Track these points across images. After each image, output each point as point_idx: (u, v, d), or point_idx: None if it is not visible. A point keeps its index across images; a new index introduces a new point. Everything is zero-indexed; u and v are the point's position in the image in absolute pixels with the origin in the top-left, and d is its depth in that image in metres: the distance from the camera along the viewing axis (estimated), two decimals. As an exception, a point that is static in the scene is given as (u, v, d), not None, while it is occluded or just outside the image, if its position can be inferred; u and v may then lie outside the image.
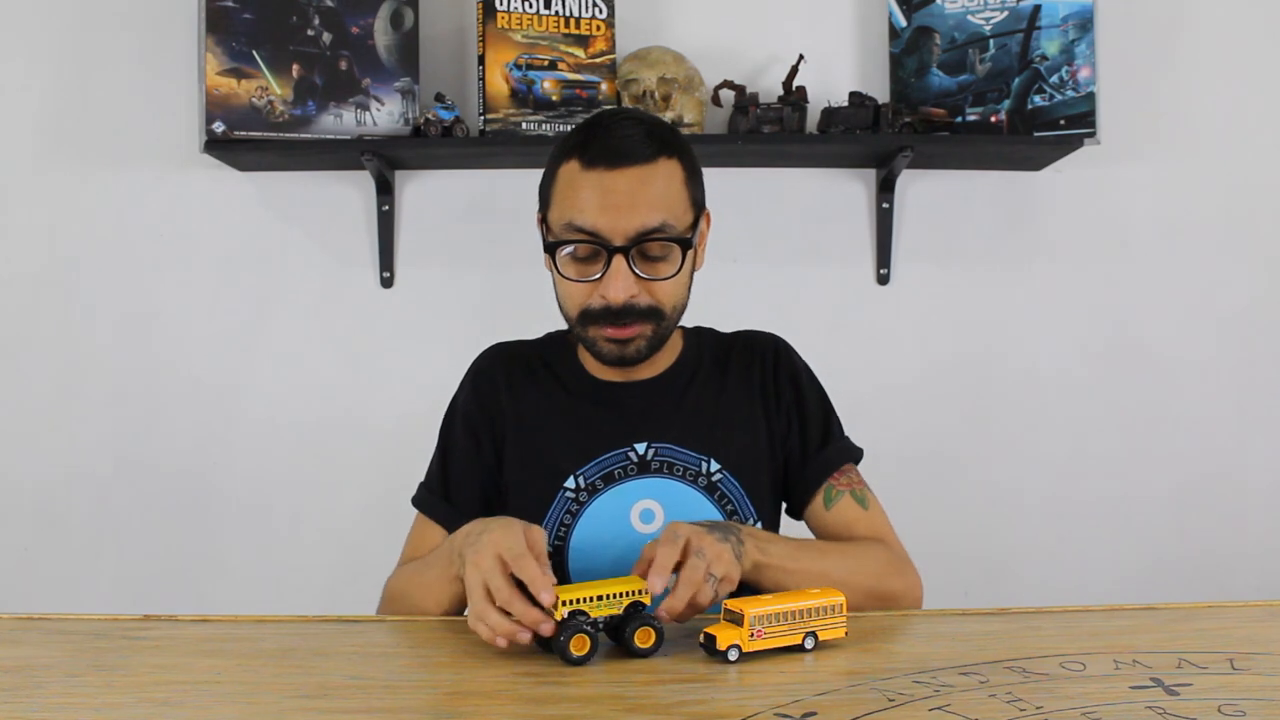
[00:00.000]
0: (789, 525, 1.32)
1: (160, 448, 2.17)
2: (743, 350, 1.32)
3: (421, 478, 1.33)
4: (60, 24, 2.16)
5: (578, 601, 0.92)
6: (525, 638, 0.91)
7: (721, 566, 1.00)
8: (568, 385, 1.29)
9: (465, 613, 1.11)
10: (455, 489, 1.27)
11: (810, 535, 1.30)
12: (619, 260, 1.14)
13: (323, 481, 2.19)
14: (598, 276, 1.15)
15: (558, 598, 0.91)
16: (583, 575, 1.20)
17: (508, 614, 0.92)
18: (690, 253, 1.18)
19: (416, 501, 1.30)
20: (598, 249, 1.15)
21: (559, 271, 1.18)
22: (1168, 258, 2.24)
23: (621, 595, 0.94)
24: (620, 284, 1.14)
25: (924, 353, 2.22)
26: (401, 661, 0.95)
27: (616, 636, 0.94)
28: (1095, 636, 0.97)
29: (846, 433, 1.33)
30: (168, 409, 2.18)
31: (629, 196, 1.13)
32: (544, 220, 1.22)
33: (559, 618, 0.91)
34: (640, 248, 1.15)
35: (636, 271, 1.15)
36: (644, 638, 0.93)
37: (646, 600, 0.95)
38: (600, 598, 0.93)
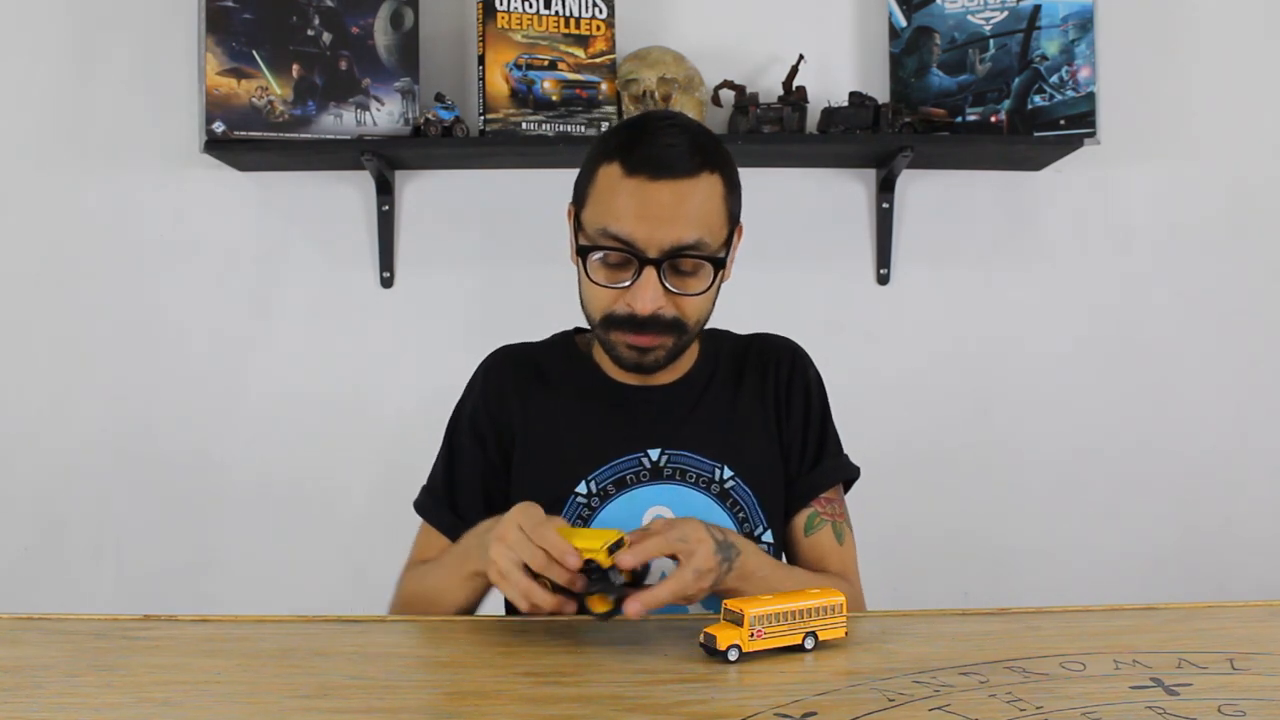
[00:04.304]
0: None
1: (160, 448, 2.17)
2: (758, 355, 1.32)
3: (423, 479, 1.32)
4: (60, 24, 2.17)
5: (590, 552, 0.95)
6: (570, 608, 0.97)
7: (696, 593, 1.02)
8: (580, 387, 1.28)
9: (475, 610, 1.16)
10: (460, 498, 1.26)
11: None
12: (650, 272, 1.13)
13: (323, 482, 2.19)
14: (627, 284, 1.15)
15: (581, 557, 0.94)
16: None
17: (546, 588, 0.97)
18: (721, 271, 1.18)
19: (420, 507, 1.29)
20: (630, 258, 1.14)
21: (588, 275, 1.17)
22: (1168, 258, 2.24)
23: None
24: (649, 295, 1.13)
25: (924, 353, 2.22)
26: (401, 661, 0.95)
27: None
28: (1095, 636, 0.97)
29: (847, 440, 1.33)
30: (168, 409, 2.18)
31: (668, 209, 1.13)
32: (577, 216, 1.21)
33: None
34: (672, 262, 1.14)
35: (666, 285, 1.14)
36: (598, 604, 0.96)
37: (606, 561, 0.95)
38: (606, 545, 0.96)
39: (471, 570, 1.09)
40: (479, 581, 1.11)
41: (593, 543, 0.96)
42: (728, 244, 1.20)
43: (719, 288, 1.21)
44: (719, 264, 1.17)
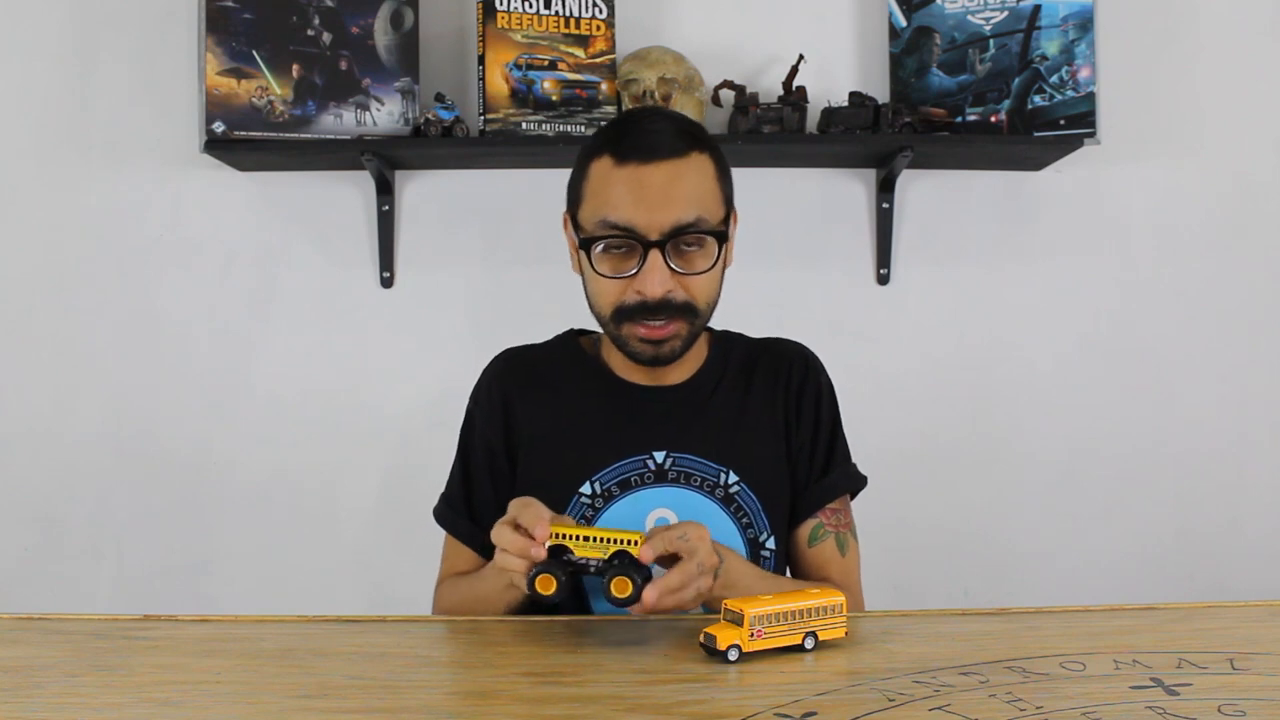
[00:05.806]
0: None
1: (160, 448, 2.17)
2: (769, 360, 1.31)
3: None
4: (60, 24, 2.16)
5: (563, 537, 0.96)
6: (539, 553, 0.96)
7: (699, 588, 1.01)
8: (586, 388, 1.27)
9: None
10: (477, 507, 1.27)
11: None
12: (655, 255, 1.13)
13: (323, 482, 2.19)
14: (633, 272, 1.15)
15: (550, 532, 0.96)
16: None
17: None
18: (725, 246, 1.18)
19: (440, 518, 1.30)
20: (633, 244, 1.14)
21: (593, 268, 1.16)
22: (1168, 257, 2.24)
23: (611, 542, 0.97)
24: (657, 278, 1.13)
25: (924, 353, 2.22)
26: (401, 661, 0.95)
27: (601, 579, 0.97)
28: (1095, 636, 0.97)
29: (848, 440, 1.32)
30: (168, 409, 2.17)
31: (663, 190, 1.13)
32: (573, 219, 1.21)
33: (546, 546, 0.96)
34: (675, 242, 1.14)
35: (672, 266, 1.14)
36: (620, 587, 0.95)
37: (636, 552, 0.96)
38: (589, 539, 0.97)
39: (505, 583, 1.10)
40: (514, 593, 1.11)
41: (598, 550, 0.97)
42: (725, 224, 1.20)
43: (724, 269, 1.21)
44: (721, 238, 1.17)
